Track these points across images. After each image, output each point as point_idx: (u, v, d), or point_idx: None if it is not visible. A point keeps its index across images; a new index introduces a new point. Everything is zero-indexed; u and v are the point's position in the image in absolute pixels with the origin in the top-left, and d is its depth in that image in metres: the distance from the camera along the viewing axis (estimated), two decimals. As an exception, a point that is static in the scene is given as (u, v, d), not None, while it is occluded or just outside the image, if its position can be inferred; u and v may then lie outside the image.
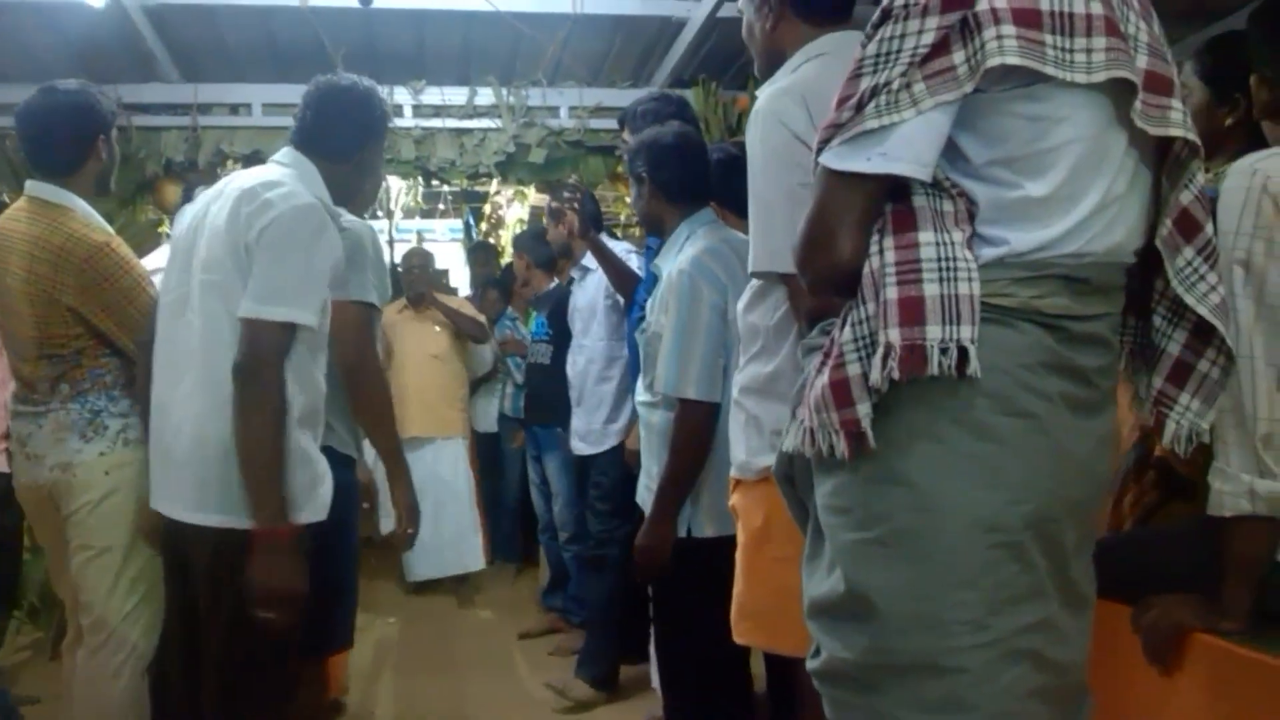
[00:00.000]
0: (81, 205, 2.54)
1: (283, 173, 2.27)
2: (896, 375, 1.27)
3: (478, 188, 6.89)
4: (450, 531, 5.29)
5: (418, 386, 5.27)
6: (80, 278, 2.42)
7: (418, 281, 5.36)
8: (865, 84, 1.30)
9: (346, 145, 2.36)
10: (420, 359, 5.30)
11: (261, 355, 2.09)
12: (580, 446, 3.95)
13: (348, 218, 2.58)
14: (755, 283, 2.17)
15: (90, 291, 2.44)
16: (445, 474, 5.38)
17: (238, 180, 2.25)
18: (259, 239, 2.12)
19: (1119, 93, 1.32)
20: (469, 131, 5.06)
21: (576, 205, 3.77)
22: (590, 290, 4.00)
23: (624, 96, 5.04)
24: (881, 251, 1.32)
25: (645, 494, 2.72)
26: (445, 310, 5.33)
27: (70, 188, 2.54)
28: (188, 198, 3.17)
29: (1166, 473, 2.19)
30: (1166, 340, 1.46)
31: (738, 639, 2.27)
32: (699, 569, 2.48)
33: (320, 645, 2.59)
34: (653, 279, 3.01)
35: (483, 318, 5.54)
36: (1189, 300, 1.38)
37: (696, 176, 2.71)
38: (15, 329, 2.52)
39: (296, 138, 2.36)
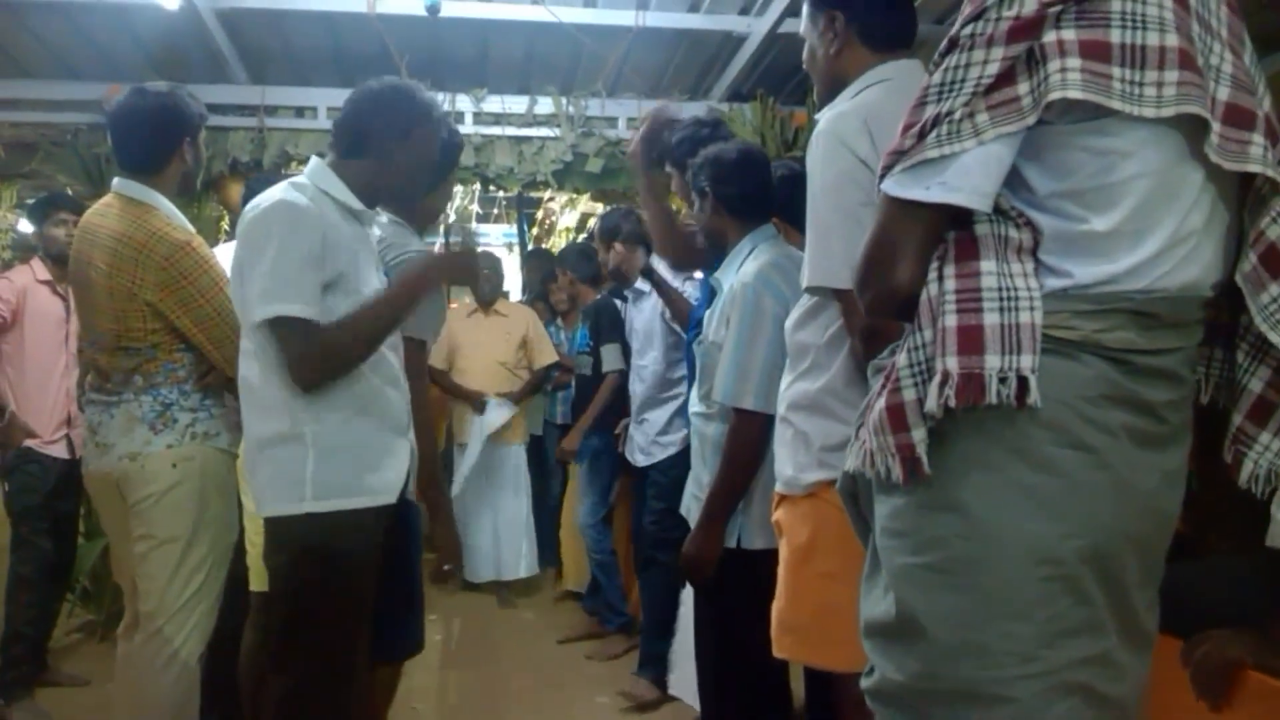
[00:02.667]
0: (166, 204, 2.60)
1: (284, 184, 2.28)
2: (953, 403, 1.28)
3: (533, 194, 6.93)
4: (508, 537, 5.33)
5: (485, 392, 5.27)
6: (160, 275, 2.48)
7: (487, 284, 5.28)
8: (929, 112, 1.30)
9: (361, 141, 2.33)
10: (488, 364, 5.28)
11: (293, 355, 2.14)
12: (640, 458, 4.07)
13: (414, 247, 2.60)
14: (806, 300, 2.19)
15: (169, 288, 2.49)
16: (507, 480, 5.38)
17: None
18: (239, 251, 2.18)
19: (1194, 127, 1.29)
20: (528, 139, 5.11)
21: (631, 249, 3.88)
22: (647, 313, 4.09)
23: (682, 110, 5.06)
24: (941, 279, 1.32)
25: (693, 503, 2.73)
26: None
27: (155, 187, 2.60)
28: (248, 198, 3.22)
29: None
30: (1249, 377, 1.42)
31: (778, 654, 2.28)
32: (746, 580, 2.48)
33: (397, 651, 2.62)
34: (709, 291, 3.03)
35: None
36: (1273, 338, 1.34)
37: (759, 192, 2.71)
38: (94, 320, 2.58)
39: (332, 137, 2.41)
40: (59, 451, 3.86)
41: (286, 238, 2.14)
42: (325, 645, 2.24)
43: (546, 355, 5.39)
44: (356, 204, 2.32)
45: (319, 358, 2.16)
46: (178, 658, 2.51)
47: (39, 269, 3.96)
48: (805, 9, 2.13)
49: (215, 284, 2.54)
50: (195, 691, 2.55)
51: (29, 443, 3.81)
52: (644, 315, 4.12)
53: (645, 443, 4.04)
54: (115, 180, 2.64)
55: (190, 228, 2.64)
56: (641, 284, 4.03)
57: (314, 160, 2.36)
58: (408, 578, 2.57)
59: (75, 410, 3.69)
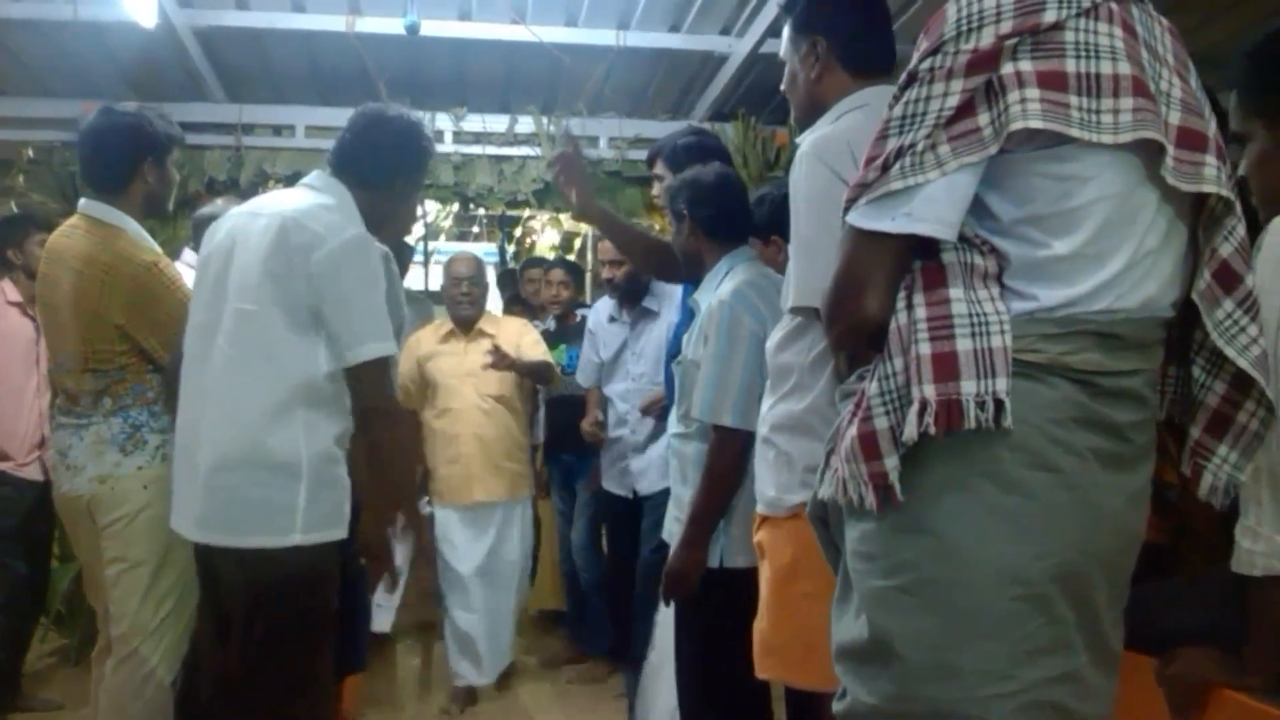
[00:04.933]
0: (132, 225, 2.59)
1: (320, 199, 2.30)
2: (933, 430, 1.29)
3: (513, 213, 6.93)
4: (501, 627, 4.18)
5: (479, 437, 4.12)
6: (127, 296, 2.48)
7: (467, 300, 4.22)
8: (891, 145, 1.33)
9: (382, 174, 2.39)
10: (477, 401, 4.13)
11: (383, 395, 2.23)
12: (643, 486, 3.81)
13: None
14: (788, 321, 2.19)
15: (136, 310, 2.49)
16: (509, 552, 4.21)
17: (274, 205, 2.28)
18: (322, 278, 2.17)
19: (1149, 151, 1.33)
20: (508, 159, 5.12)
21: None
22: (658, 334, 3.91)
23: (663, 129, 5.07)
24: (911, 308, 1.34)
25: (674, 525, 2.73)
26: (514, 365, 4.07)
27: (120, 206, 2.60)
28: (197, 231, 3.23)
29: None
30: (1205, 391, 1.45)
31: (761, 674, 2.28)
32: (728, 599, 2.48)
33: (335, 668, 2.61)
34: (689, 314, 3.03)
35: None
36: (1229, 352, 1.38)
37: (736, 214, 2.74)
38: (62, 342, 2.57)
39: (334, 160, 2.39)
40: (33, 474, 3.81)
41: (381, 277, 2.24)
42: (298, 670, 2.25)
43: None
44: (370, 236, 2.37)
45: (395, 406, 2.31)
46: (153, 678, 2.51)
47: (9, 290, 3.92)
48: (786, 33, 2.14)
49: (182, 304, 2.52)
50: (169, 712, 2.53)
51: (1, 466, 3.78)
52: (654, 338, 3.90)
53: (654, 470, 3.72)
54: (81, 201, 2.65)
55: (157, 248, 2.64)
56: (650, 303, 3.94)
57: (334, 183, 2.36)
58: (352, 599, 2.59)
59: (49, 432, 3.66)
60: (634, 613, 3.80)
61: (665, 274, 3.30)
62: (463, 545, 4.12)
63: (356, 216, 2.32)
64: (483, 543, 4.10)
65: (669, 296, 3.85)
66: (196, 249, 3.21)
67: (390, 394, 2.27)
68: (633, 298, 4.02)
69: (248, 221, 2.28)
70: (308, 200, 2.30)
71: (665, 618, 3.15)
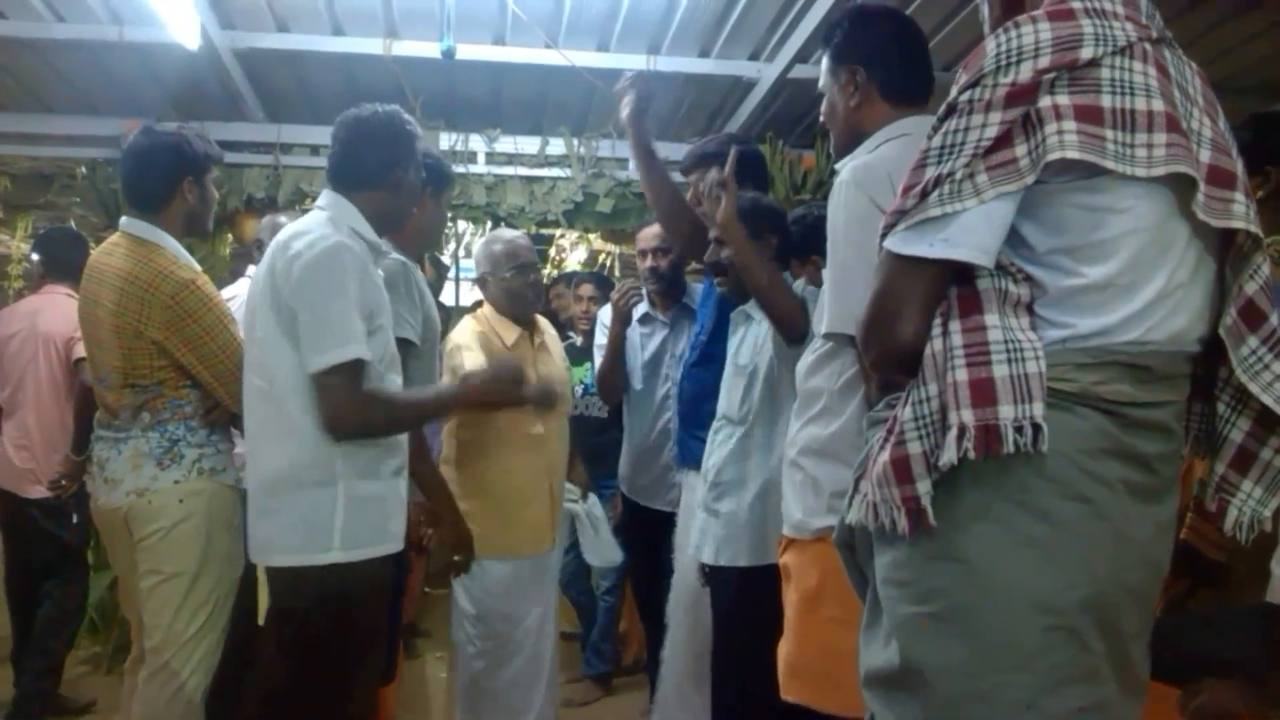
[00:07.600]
0: (171, 243, 2.63)
1: (315, 218, 2.32)
2: (972, 455, 1.31)
3: (544, 232, 6.98)
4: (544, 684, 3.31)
5: (559, 470, 3.30)
6: (166, 313, 2.50)
7: (533, 292, 3.31)
8: (930, 173, 1.35)
9: (374, 171, 2.38)
10: (558, 427, 3.30)
11: (341, 402, 2.17)
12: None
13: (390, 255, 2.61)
14: (818, 345, 2.22)
15: (174, 326, 2.51)
16: (554, 603, 3.40)
17: (279, 234, 2.32)
18: (294, 292, 2.19)
19: (1181, 186, 1.35)
20: (539, 179, 5.17)
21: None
22: (748, 348, 3.60)
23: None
24: (946, 334, 1.36)
25: (720, 532, 2.71)
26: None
27: (160, 224, 2.63)
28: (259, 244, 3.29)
29: (1193, 559, 2.16)
30: (1230, 427, 1.46)
31: (786, 697, 2.27)
32: (767, 598, 2.48)
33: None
34: (721, 320, 3.04)
35: None
36: (1253, 389, 1.39)
37: (782, 238, 2.85)
38: (102, 358, 2.60)
39: (329, 175, 2.41)
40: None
41: (351, 283, 2.20)
42: (340, 682, 2.28)
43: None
44: (377, 240, 2.39)
45: (365, 408, 2.21)
46: (183, 692, 2.52)
47: None
48: (825, 63, 2.17)
49: (219, 321, 2.56)
50: (200, 722, 2.56)
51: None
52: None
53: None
54: (122, 219, 2.68)
55: (195, 266, 2.67)
56: (688, 300, 3.65)
57: (334, 196, 2.38)
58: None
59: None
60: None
61: (695, 249, 3.03)
62: (525, 605, 3.21)
63: (355, 223, 2.33)
64: (548, 598, 3.31)
65: (698, 295, 3.54)
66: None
67: (358, 401, 2.19)
68: (675, 292, 3.69)
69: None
70: (303, 222, 2.32)
71: (673, 638, 3.17)
